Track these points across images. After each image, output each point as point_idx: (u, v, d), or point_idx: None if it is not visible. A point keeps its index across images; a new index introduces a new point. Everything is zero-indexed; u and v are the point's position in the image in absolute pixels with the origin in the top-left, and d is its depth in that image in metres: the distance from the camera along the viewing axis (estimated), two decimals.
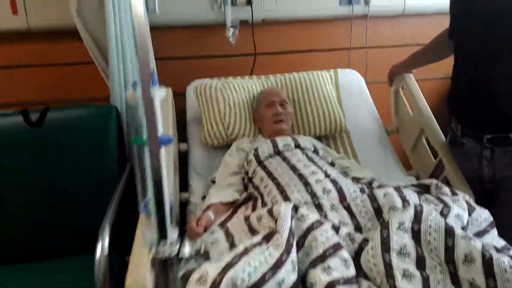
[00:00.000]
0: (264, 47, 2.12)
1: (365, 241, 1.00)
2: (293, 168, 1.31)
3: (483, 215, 1.10)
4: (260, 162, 1.43)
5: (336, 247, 0.94)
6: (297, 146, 1.48)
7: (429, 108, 1.61)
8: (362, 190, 1.20)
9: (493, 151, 1.27)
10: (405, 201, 1.06)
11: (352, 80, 2.00)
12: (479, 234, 1.07)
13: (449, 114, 1.43)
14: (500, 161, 1.27)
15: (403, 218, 0.97)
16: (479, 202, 1.18)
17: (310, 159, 1.39)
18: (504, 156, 1.26)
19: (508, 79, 1.20)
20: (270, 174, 1.34)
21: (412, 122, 1.70)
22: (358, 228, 1.07)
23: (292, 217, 0.99)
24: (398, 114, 1.85)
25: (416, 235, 0.95)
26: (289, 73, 1.93)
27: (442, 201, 1.12)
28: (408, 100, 1.77)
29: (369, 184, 1.30)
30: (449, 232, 0.92)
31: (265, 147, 1.47)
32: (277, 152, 1.45)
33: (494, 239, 1.05)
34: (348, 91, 1.92)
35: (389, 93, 1.92)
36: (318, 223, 0.99)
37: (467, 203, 1.13)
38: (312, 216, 1.02)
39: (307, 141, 1.54)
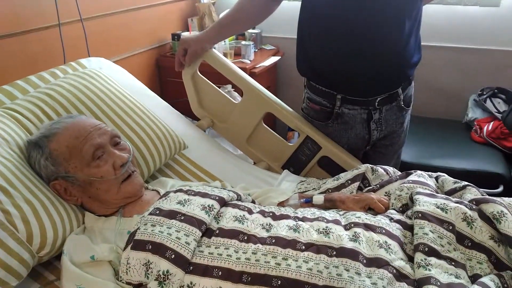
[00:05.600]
0: None
1: None
2: (280, 241, 0.80)
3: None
4: (187, 265, 0.77)
5: None
6: (221, 201, 0.90)
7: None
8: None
9: (381, 111, 1.22)
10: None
11: (116, 73, 1.35)
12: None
13: (319, 89, 1.24)
14: (388, 119, 1.24)
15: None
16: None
17: (267, 214, 0.90)
18: (391, 113, 1.23)
19: (388, 33, 1.11)
20: (231, 275, 0.75)
21: (242, 109, 1.36)
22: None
23: None
24: (203, 105, 1.43)
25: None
26: (36, 76, 1.14)
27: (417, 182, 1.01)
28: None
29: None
30: None
31: (169, 232, 0.80)
32: (205, 229, 0.83)
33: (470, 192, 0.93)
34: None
35: None
36: None
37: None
38: None
39: (207, 188, 0.95)
